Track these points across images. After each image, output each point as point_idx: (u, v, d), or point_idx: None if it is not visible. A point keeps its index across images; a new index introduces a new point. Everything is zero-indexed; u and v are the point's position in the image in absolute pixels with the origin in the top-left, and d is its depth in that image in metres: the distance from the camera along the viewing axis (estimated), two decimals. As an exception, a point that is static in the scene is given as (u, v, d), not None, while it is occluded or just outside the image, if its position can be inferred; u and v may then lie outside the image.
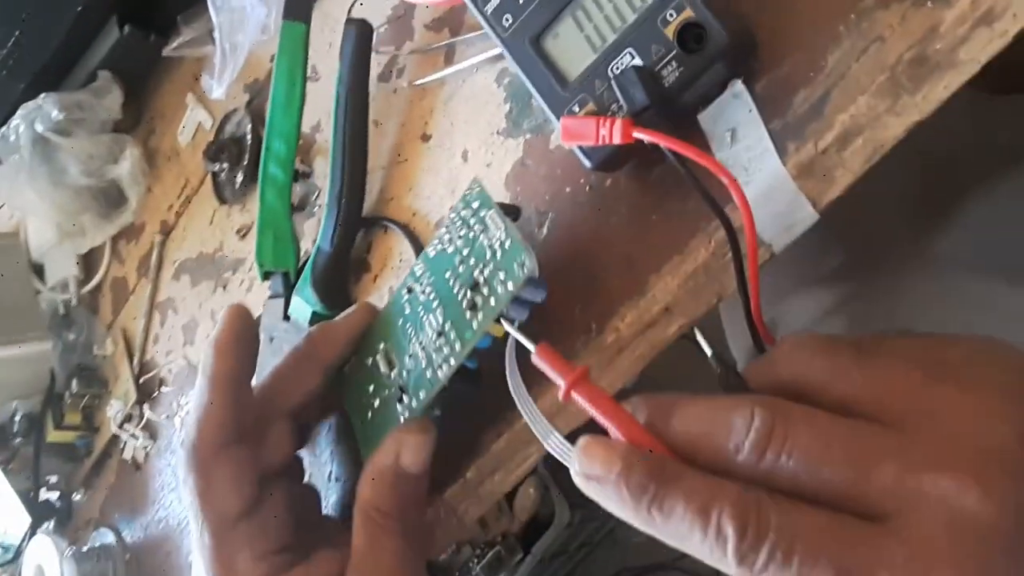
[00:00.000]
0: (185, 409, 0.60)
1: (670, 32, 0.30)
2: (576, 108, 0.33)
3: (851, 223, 0.40)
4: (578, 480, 0.26)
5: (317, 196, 0.51)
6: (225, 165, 0.56)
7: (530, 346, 0.29)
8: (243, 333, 0.36)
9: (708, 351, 0.29)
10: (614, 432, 0.27)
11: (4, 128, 0.64)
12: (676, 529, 0.24)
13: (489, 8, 0.34)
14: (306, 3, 0.44)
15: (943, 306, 0.39)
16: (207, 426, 0.34)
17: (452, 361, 0.34)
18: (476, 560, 1.22)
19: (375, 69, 0.47)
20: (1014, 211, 0.38)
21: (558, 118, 0.33)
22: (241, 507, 0.34)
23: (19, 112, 0.62)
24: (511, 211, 0.38)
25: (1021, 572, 0.22)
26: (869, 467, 0.23)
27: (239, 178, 0.56)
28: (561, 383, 0.28)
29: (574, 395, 0.28)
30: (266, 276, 0.47)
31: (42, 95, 0.62)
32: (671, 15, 0.30)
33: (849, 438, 0.23)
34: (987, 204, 0.39)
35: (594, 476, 0.25)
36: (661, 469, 0.24)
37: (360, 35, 0.43)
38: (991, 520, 0.22)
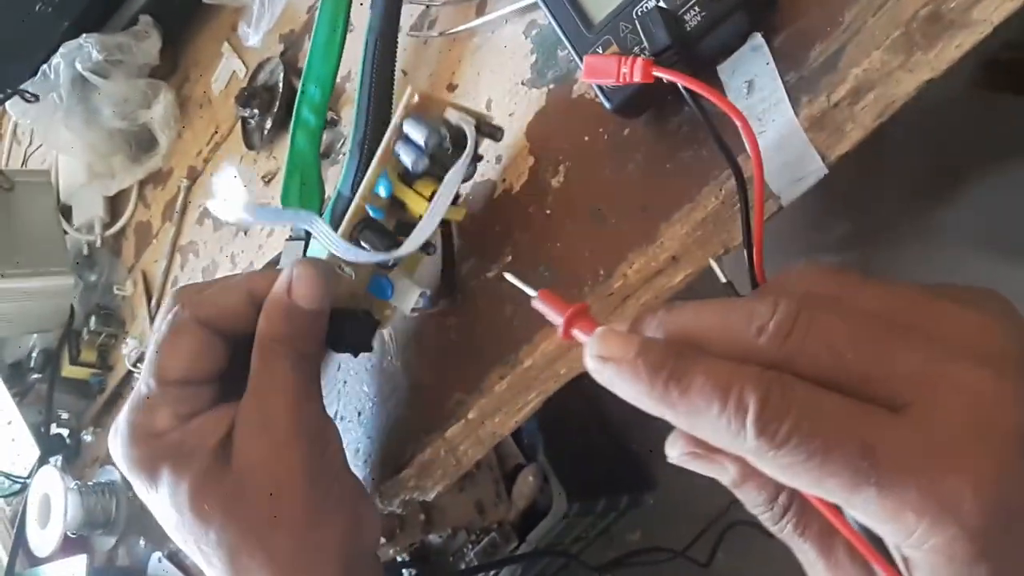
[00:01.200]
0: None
1: (695, -24, 0.31)
2: (600, 49, 0.34)
3: (859, 195, 0.41)
4: (592, 364, 0.25)
5: (343, 144, 0.52)
6: (255, 112, 0.58)
7: (531, 292, 0.29)
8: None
9: (723, 278, 0.29)
10: None
11: (45, 66, 0.65)
12: (693, 403, 0.23)
13: (522, -50, 0.35)
14: None
15: (945, 279, 0.40)
16: (211, 307, 0.38)
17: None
18: (471, 545, 1.22)
19: (408, 20, 0.48)
20: (1017, 193, 0.39)
21: (582, 58, 0.34)
22: (182, 374, 0.38)
23: (60, 50, 0.64)
24: (494, 131, 0.39)
25: None
26: (895, 352, 0.23)
27: (268, 125, 0.57)
28: (559, 320, 0.28)
29: (574, 332, 0.27)
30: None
31: (84, 35, 0.64)
32: (697, -40, 0.31)
33: (875, 326, 0.23)
34: (991, 185, 0.40)
35: (611, 357, 0.25)
36: (680, 350, 0.24)
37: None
38: (1008, 413, 0.22)
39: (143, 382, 0.38)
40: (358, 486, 0.41)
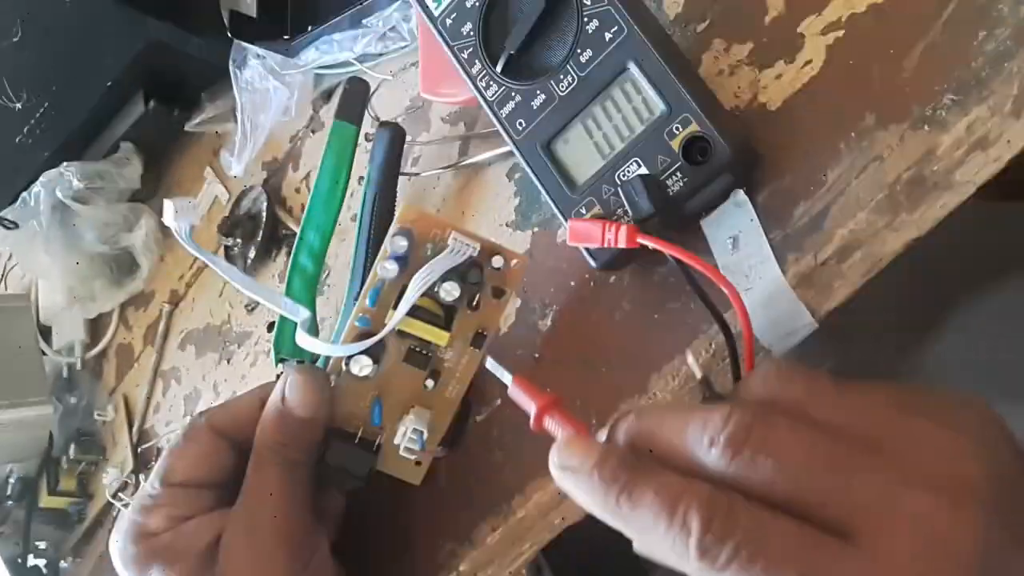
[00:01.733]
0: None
1: (676, 144, 0.31)
2: (583, 211, 0.34)
3: (847, 327, 0.41)
4: (554, 472, 0.26)
5: (327, 275, 0.52)
6: (238, 241, 0.57)
7: (506, 378, 0.30)
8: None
9: (698, 374, 0.29)
10: None
11: (24, 193, 0.65)
12: (642, 520, 0.24)
13: (504, 112, 0.35)
14: (359, 106, 0.45)
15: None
16: (225, 413, 0.40)
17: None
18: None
19: (390, 156, 0.48)
20: (1006, 323, 0.39)
21: (566, 219, 0.34)
22: (185, 476, 0.39)
23: (40, 179, 0.64)
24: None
25: None
26: (850, 477, 0.23)
27: (251, 254, 0.57)
28: (531, 409, 0.29)
29: (546, 421, 0.29)
30: (280, 361, 0.48)
31: (64, 164, 0.64)
32: (677, 128, 0.31)
33: (831, 448, 0.23)
34: (980, 315, 0.40)
35: (570, 467, 0.25)
36: (634, 463, 0.25)
37: (392, 139, 0.44)
38: (964, 545, 0.22)
39: (149, 482, 0.40)
40: None
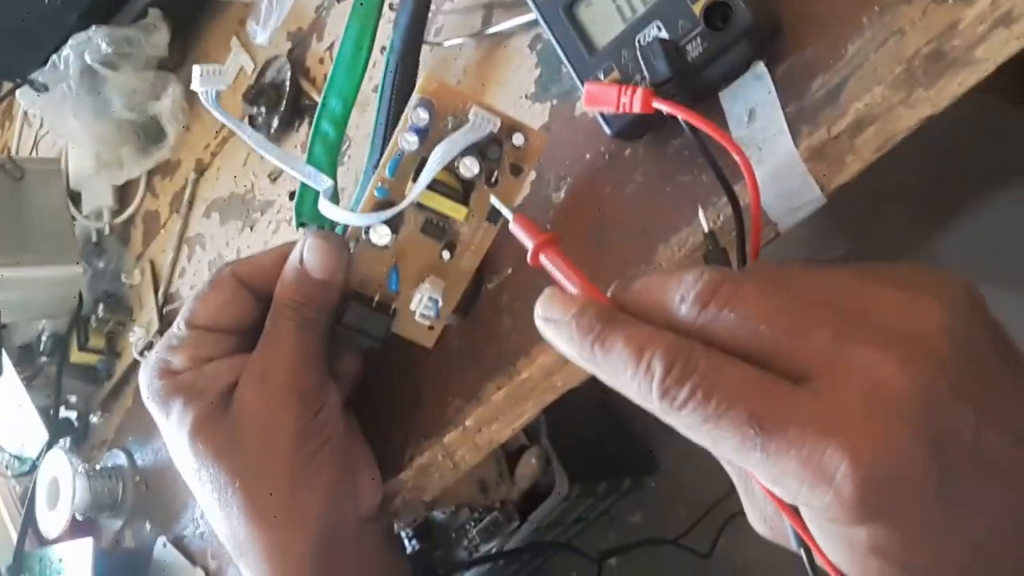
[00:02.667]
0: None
1: (697, 8, 0.31)
2: (601, 75, 0.34)
3: (859, 217, 0.41)
4: (538, 323, 0.28)
5: (348, 147, 0.52)
6: (262, 110, 0.58)
7: (508, 214, 0.33)
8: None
9: (705, 228, 0.31)
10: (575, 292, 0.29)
11: (54, 56, 0.66)
12: (612, 365, 0.26)
13: (528, -27, 0.35)
14: None
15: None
16: (249, 265, 0.42)
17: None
18: (473, 523, 1.24)
19: (414, 26, 0.48)
20: (1015, 222, 0.39)
21: (584, 83, 0.34)
22: (208, 320, 0.41)
23: (70, 42, 0.64)
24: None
25: (923, 453, 0.23)
26: (807, 328, 0.24)
27: (275, 123, 0.57)
28: (529, 245, 0.31)
29: (541, 258, 0.31)
30: (301, 225, 0.49)
31: (93, 27, 0.64)
32: (699, -8, 0.31)
33: (791, 303, 0.25)
34: (990, 212, 0.40)
35: (552, 318, 0.28)
36: (609, 314, 0.27)
37: (417, 5, 0.43)
38: (904, 395, 0.23)
39: (175, 324, 0.42)
40: (357, 453, 0.43)
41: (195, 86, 0.39)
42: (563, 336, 0.27)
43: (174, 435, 0.41)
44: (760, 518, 0.30)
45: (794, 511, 0.26)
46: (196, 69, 0.38)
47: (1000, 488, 0.24)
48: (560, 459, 1.22)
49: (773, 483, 0.24)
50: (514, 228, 0.32)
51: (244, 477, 0.40)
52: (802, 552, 0.27)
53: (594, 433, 1.33)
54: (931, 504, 0.23)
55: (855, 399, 0.23)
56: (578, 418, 1.24)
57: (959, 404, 0.23)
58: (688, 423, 0.25)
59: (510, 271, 0.42)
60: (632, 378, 0.25)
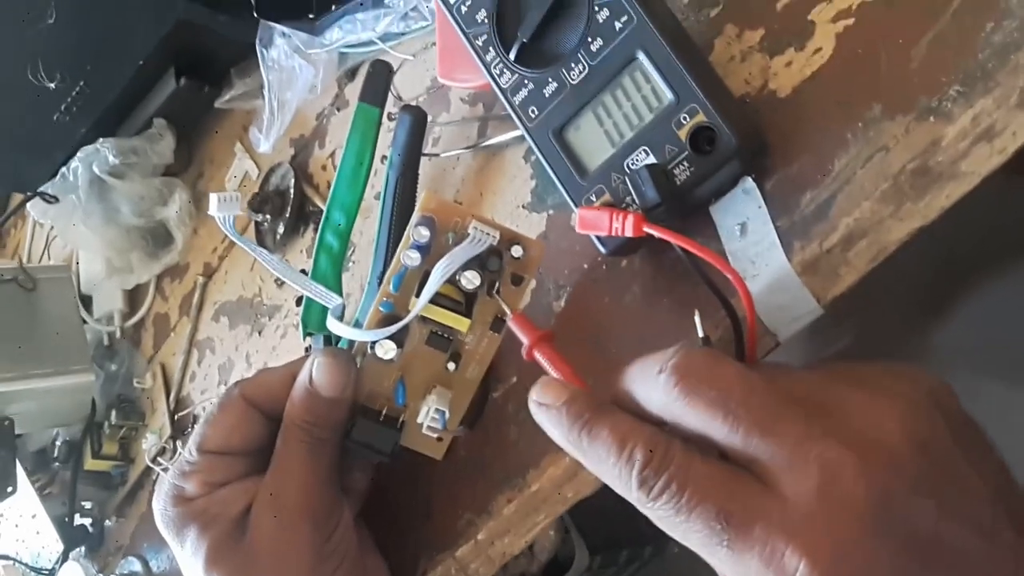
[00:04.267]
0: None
1: (683, 134, 0.32)
2: (593, 198, 0.34)
3: (860, 307, 0.41)
4: (532, 407, 0.30)
5: (352, 252, 0.53)
6: (268, 217, 0.59)
7: (507, 312, 0.36)
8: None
9: (700, 332, 0.31)
10: None
11: (64, 169, 0.67)
12: (597, 452, 0.28)
13: (517, 99, 0.36)
14: (383, 90, 0.46)
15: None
16: (257, 386, 0.42)
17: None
18: (495, 600, 1.22)
19: (411, 137, 0.49)
20: (1017, 308, 0.39)
21: (577, 205, 0.35)
22: (219, 445, 0.41)
23: (78, 155, 0.66)
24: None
25: (884, 553, 0.24)
26: (777, 421, 0.25)
27: (280, 229, 0.58)
28: (525, 341, 0.34)
29: (536, 353, 0.34)
30: (307, 335, 0.49)
31: (100, 140, 0.66)
32: (684, 118, 0.32)
33: (767, 395, 0.26)
34: (992, 298, 0.40)
35: (544, 403, 0.29)
36: (598, 405, 0.29)
37: (415, 122, 0.44)
38: (859, 499, 0.24)
39: (187, 449, 0.42)
40: (372, 568, 0.43)
41: (212, 211, 0.40)
42: (553, 421, 0.29)
43: (190, 564, 0.40)
44: None
45: None
46: (213, 198, 0.40)
47: None
48: (579, 529, 1.20)
49: None
50: (512, 325, 0.35)
51: None
52: None
53: (612, 500, 1.31)
54: None
55: (815, 500, 0.24)
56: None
57: (918, 501, 0.24)
58: (662, 515, 0.26)
59: (515, 380, 0.42)
60: (614, 466, 0.27)
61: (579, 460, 0.29)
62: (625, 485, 0.27)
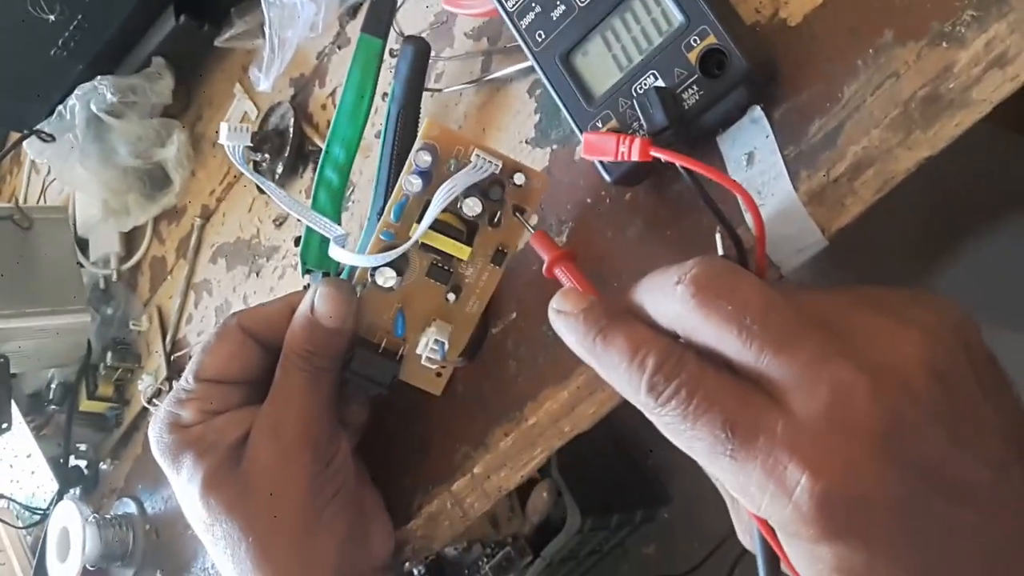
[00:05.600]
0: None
1: (693, 57, 0.32)
2: (599, 124, 0.34)
3: (859, 248, 0.41)
4: (551, 315, 0.31)
5: (352, 192, 0.53)
6: (267, 156, 0.58)
7: (528, 229, 0.37)
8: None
9: (720, 250, 0.31)
10: None
11: (60, 107, 0.66)
12: (610, 358, 0.28)
13: (524, 23, 0.35)
14: (385, 20, 0.45)
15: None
16: (255, 316, 0.42)
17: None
18: (486, 559, 1.23)
19: (414, 72, 0.48)
20: (1015, 254, 0.39)
21: (582, 132, 0.34)
22: (216, 373, 0.41)
23: (76, 92, 0.65)
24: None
25: (888, 477, 0.23)
26: (793, 338, 0.25)
27: (279, 169, 0.58)
28: (545, 258, 0.34)
29: (556, 270, 0.34)
30: (306, 272, 0.49)
31: (98, 77, 0.65)
32: (695, 40, 0.31)
33: (785, 311, 0.26)
34: (990, 244, 0.40)
35: (563, 310, 0.30)
36: (615, 314, 0.29)
37: (417, 53, 0.44)
38: (869, 422, 0.24)
39: (183, 377, 0.42)
40: (369, 502, 0.43)
41: (223, 140, 0.40)
42: (571, 327, 0.29)
43: (185, 491, 0.40)
44: (746, 531, 0.31)
45: (768, 526, 0.26)
46: (223, 126, 0.39)
47: (974, 513, 0.24)
48: (572, 492, 1.21)
49: (740, 491, 0.25)
50: (533, 242, 0.36)
51: (257, 531, 0.39)
52: (760, 562, 0.28)
53: (605, 465, 1.32)
54: (897, 526, 0.24)
55: (823, 416, 0.24)
56: (589, 450, 1.24)
57: (930, 430, 0.24)
58: (668, 421, 0.26)
59: (514, 316, 0.42)
60: (626, 371, 0.27)
61: (593, 366, 0.29)
62: (635, 390, 0.27)
